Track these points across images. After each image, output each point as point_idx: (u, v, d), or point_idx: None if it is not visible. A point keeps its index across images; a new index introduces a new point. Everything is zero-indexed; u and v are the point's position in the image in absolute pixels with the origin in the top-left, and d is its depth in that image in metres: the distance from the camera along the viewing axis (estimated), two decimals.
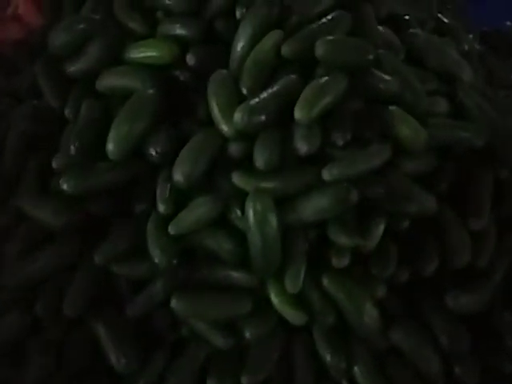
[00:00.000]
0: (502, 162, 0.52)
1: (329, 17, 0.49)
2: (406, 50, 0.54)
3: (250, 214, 0.44)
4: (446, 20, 0.67)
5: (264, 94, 0.45)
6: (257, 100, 0.45)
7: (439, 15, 0.68)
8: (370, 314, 0.45)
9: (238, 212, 0.46)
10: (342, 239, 0.44)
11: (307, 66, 0.48)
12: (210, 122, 0.49)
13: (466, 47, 0.62)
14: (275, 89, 0.46)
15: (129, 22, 0.54)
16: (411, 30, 0.55)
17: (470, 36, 0.70)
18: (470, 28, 0.74)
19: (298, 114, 0.43)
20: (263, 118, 0.44)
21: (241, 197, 0.46)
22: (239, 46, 0.50)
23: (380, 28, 0.54)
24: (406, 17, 0.59)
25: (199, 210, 0.45)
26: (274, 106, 0.45)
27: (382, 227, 0.46)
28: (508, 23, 0.87)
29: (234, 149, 0.47)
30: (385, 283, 0.47)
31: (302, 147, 0.44)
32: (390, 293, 0.47)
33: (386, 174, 0.46)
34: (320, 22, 0.49)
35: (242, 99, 0.47)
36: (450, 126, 0.50)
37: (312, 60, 0.48)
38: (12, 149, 0.53)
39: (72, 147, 0.48)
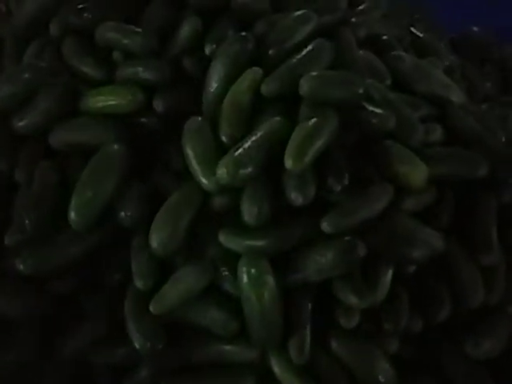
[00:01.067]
0: (503, 185, 0.49)
1: (309, 47, 0.45)
2: (391, 74, 0.50)
3: (244, 279, 0.38)
4: (420, 34, 0.65)
5: (248, 143, 0.40)
6: (241, 150, 0.39)
7: (412, 29, 0.66)
8: (385, 373, 0.41)
9: (229, 277, 0.40)
10: (351, 299, 0.39)
11: (290, 104, 0.43)
12: (187, 176, 0.43)
13: (447, 62, 0.60)
14: (259, 135, 0.40)
15: (81, 67, 0.48)
16: (394, 53, 0.51)
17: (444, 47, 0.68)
18: (441, 37, 0.72)
19: (289, 163, 0.38)
20: (250, 170, 0.39)
21: (230, 258, 0.40)
22: (212, 87, 0.44)
23: (362, 53, 0.50)
24: (385, 36, 0.56)
25: (185, 282, 0.39)
26: (261, 155, 0.40)
27: (389, 276, 0.41)
28: (474, 28, 0.86)
29: (219, 204, 0.42)
30: (397, 337, 0.42)
31: (297, 198, 0.39)
32: (402, 344, 0.43)
33: (388, 217, 0.42)
34: (300, 55, 0.44)
35: (222, 148, 0.42)
36: (450, 158, 0.46)
37: (295, 97, 0.43)
38: None
39: (27, 220, 0.41)
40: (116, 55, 0.48)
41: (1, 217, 0.44)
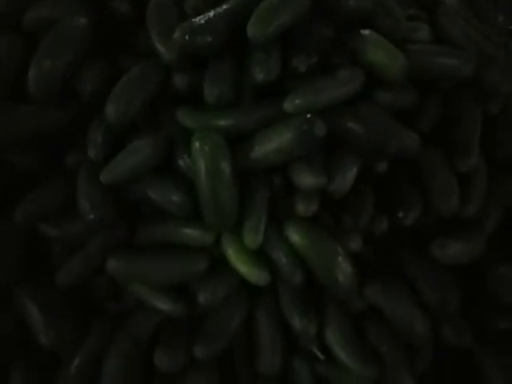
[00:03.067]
0: (493, 95, 0.46)
1: None
2: None
3: (198, 157, 0.37)
4: None
5: (211, 13, 0.38)
6: (201, 17, 0.37)
7: None
8: (343, 270, 0.38)
9: (185, 156, 0.39)
10: (306, 180, 0.37)
11: None
12: (150, 55, 0.42)
13: None
14: (224, 6, 0.38)
15: None
16: None
17: None
18: None
19: (251, 31, 0.36)
20: (209, 38, 0.37)
21: (187, 137, 0.38)
22: None
23: None
24: None
25: (138, 154, 0.38)
26: (223, 25, 0.38)
27: (355, 169, 0.39)
28: None
29: (179, 80, 0.40)
30: (360, 234, 0.40)
31: (259, 74, 0.37)
32: (365, 245, 0.40)
33: (359, 107, 0.40)
34: None
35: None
36: (433, 53, 0.43)
37: None
38: None
39: None
40: None
41: None
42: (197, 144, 0.37)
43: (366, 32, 0.41)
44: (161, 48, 0.39)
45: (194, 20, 0.37)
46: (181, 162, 0.39)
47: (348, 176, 0.39)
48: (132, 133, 0.39)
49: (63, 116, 0.41)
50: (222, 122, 0.38)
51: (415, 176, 0.42)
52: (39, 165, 0.42)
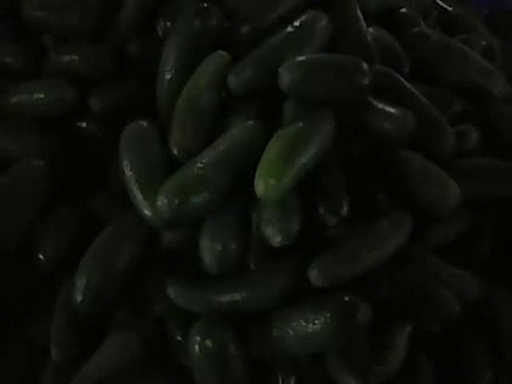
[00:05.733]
0: None
1: (296, 22, 0.33)
2: (410, 58, 0.38)
3: (199, 356, 0.27)
4: (449, 7, 0.52)
5: (205, 158, 0.29)
6: (193, 170, 0.28)
7: (439, 1, 0.53)
8: None
9: (182, 343, 0.29)
10: (346, 380, 0.28)
11: (268, 103, 0.32)
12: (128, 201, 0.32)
13: (485, 42, 0.47)
14: (223, 147, 0.29)
15: (3, 57, 0.37)
16: (416, 30, 0.39)
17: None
18: (476, 12, 0.58)
19: (260, 189, 0.27)
20: (205, 197, 0.27)
21: (183, 318, 0.29)
22: (164, 79, 0.33)
23: (372, 31, 0.37)
24: (403, 9, 0.43)
25: (110, 357, 0.28)
26: (223, 176, 0.28)
27: (404, 341, 0.30)
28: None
29: (168, 242, 0.31)
30: None
31: (274, 237, 0.28)
32: None
33: (404, 261, 0.30)
34: (284, 33, 0.32)
35: (172, 166, 0.30)
36: (489, 174, 0.34)
37: (274, 93, 0.31)
38: None
39: None
40: (46, 40, 0.37)
41: None
42: (197, 338, 0.27)
43: (406, 155, 0.32)
44: (145, 211, 0.29)
45: (180, 176, 0.28)
46: (176, 352, 0.29)
47: (397, 352, 0.30)
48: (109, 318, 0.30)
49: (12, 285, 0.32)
50: (227, 299, 0.29)
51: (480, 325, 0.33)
52: None
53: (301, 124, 0.29)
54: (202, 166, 0.28)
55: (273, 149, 0.28)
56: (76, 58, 0.35)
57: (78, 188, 0.34)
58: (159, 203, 0.27)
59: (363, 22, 0.36)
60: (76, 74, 0.35)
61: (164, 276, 0.31)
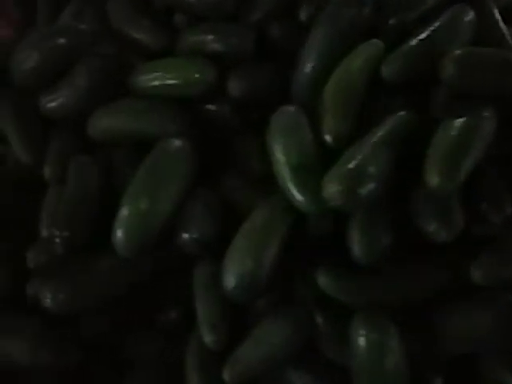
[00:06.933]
0: None
1: (446, 15, 0.33)
2: None
3: (361, 345, 0.27)
4: None
5: (366, 148, 0.28)
6: (359, 159, 0.27)
7: None
8: None
9: (333, 336, 0.28)
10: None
11: (421, 93, 0.31)
12: (270, 186, 0.32)
13: None
14: (380, 136, 0.28)
15: (135, 33, 0.36)
16: None
17: None
18: None
19: (434, 181, 0.26)
20: (370, 188, 0.27)
21: (333, 309, 0.29)
22: (309, 65, 0.33)
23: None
24: None
25: (268, 343, 0.28)
26: (385, 166, 0.28)
27: None
28: None
29: (317, 230, 0.30)
30: None
31: (439, 233, 0.27)
32: None
33: None
34: (435, 25, 0.32)
35: (324, 153, 0.30)
36: None
37: (429, 83, 0.31)
38: None
39: (57, 237, 0.30)
40: (179, 19, 0.36)
41: (22, 226, 0.34)
42: (360, 331, 0.27)
43: None
44: (299, 198, 0.28)
45: (349, 165, 0.27)
46: (325, 346, 0.29)
47: None
48: (256, 301, 0.30)
49: (153, 270, 0.31)
50: (383, 291, 0.28)
51: None
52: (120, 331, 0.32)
53: (468, 119, 0.28)
54: (366, 156, 0.28)
55: (443, 141, 0.28)
56: (214, 37, 0.34)
57: (213, 172, 0.33)
58: (329, 190, 0.27)
59: (500, 18, 0.36)
60: (213, 55, 0.34)
61: (309, 263, 0.31)
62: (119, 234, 0.29)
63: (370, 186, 0.27)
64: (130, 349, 0.32)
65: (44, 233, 0.32)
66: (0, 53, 0.45)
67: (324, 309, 0.29)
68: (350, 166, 0.27)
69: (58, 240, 0.30)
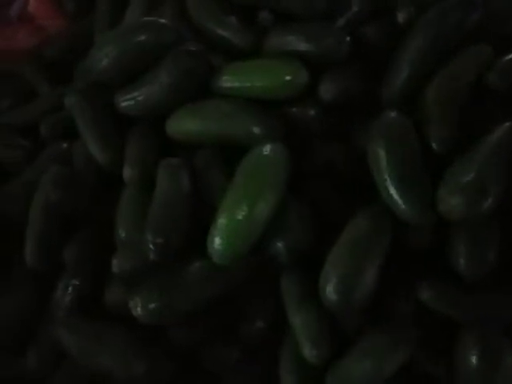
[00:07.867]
0: None
1: None
2: None
3: (475, 364, 0.25)
4: None
5: (481, 160, 0.27)
6: (479, 172, 0.26)
7: None
8: None
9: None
10: None
11: None
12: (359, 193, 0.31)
13: None
14: (494, 145, 0.27)
15: (220, 31, 0.35)
16: None
17: None
18: None
19: None
20: (491, 200, 0.26)
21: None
22: (407, 69, 0.31)
23: None
24: None
25: (374, 357, 0.27)
26: (501, 180, 0.27)
27: None
28: None
29: (420, 242, 0.29)
30: None
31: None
32: None
33: None
34: None
35: (432, 161, 0.29)
36: None
37: None
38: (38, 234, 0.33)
39: (150, 243, 0.29)
40: (265, 17, 0.35)
41: (100, 230, 0.33)
42: (475, 350, 0.26)
43: None
44: (408, 210, 0.27)
45: (470, 175, 0.26)
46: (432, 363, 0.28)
47: None
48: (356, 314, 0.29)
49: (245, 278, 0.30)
50: (491, 306, 0.27)
51: None
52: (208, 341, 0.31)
53: None
54: (484, 167, 0.27)
55: None
56: (306, 37, 0.32)
57: (303, 180, 0.32)
58: (453, 202, 0.26)
59: None
60: (303, 56, 0.32)
61: (410, 276, 0.30)
62: (217, 241, 0.28)
63: (492, 198, 0.26)
64: (214, 359, 0.31)
65: (122, 235, 0.31)
66: (59, 44, 0.45)
67: (425, 323, 0.28)
68: (470, 178, 0.26)
69: (151, 246, 0.29)
